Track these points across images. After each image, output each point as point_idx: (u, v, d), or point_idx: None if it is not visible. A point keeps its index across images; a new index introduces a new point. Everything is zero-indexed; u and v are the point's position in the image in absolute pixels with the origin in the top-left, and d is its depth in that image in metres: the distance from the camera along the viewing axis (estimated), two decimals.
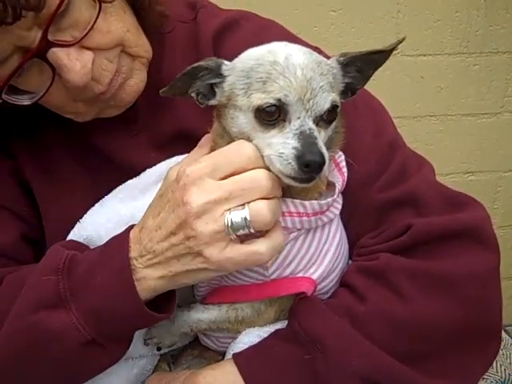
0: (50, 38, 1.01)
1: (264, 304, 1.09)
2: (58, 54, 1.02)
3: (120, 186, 1.21)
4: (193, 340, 1.26)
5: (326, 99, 0.93)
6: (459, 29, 2.60)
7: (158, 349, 1.19)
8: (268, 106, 0.93)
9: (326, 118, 0.95)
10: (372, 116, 1.24)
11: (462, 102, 2.71)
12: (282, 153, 0.91)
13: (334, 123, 0.98)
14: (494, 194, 2.90)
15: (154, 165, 1.20)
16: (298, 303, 1.07)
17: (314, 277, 1.07)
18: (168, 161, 1.19)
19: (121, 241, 1.03)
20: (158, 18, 1.21)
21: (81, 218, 1.20)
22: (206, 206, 0.93)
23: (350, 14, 2.46)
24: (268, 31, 1.26)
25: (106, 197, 1.21)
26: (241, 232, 0.93)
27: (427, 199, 1.14)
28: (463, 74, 2.67)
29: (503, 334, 1.88)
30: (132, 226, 1.04)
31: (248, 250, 0.94)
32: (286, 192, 1.02)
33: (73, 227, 1.20)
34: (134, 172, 1.21)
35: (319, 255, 1.08)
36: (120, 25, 1.09)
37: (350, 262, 1.17)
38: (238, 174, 0.94)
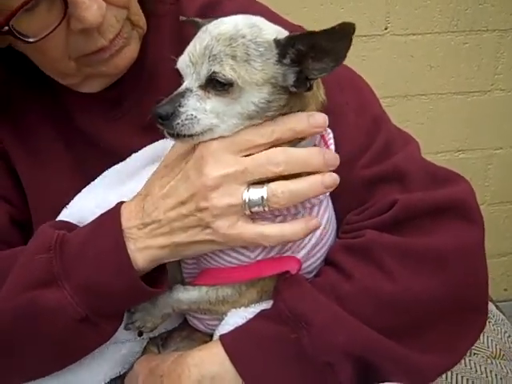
0: None
1: (245, 284, 1.08)
2: None
3: (106, 172, 1.20)
4: (181, 322, 1.25)
5: (210, 67, 0.94)
6: (449, 7, 2.58)
7: (140, 334, 1.18)
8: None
9: (216, 87, 0.95)
10: (356, 93, 1.23)
11: (453, 80, 2.70)
12: None
13: (229, 96, 0.95)
14: (485, 172, 2.91)
15: (139, 149, 1.20)
16: (283, 282, 1.07)
17: (300, 255, 1.07)
18: (154, 144, 1.18)
19: (112, 215, 1.03)
20: None
21: (67, 201, 1.19)
22: (222, 179, 0.94)
23: None
24: (250, 10, 1.25)
25: (92, 182, 1.20)
26: (255, 209, 0.94)
27: (412, 175, 1.13)
28: (453, 53, 2.65)
29: (495, 310, 1.89)
30: (122, 202, 1.05)
31: (257, 230, 0.96)
32: None
33: (59, 208, 1.19)
34: (118, 156, 1.20)
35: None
36: None
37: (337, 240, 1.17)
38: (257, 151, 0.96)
